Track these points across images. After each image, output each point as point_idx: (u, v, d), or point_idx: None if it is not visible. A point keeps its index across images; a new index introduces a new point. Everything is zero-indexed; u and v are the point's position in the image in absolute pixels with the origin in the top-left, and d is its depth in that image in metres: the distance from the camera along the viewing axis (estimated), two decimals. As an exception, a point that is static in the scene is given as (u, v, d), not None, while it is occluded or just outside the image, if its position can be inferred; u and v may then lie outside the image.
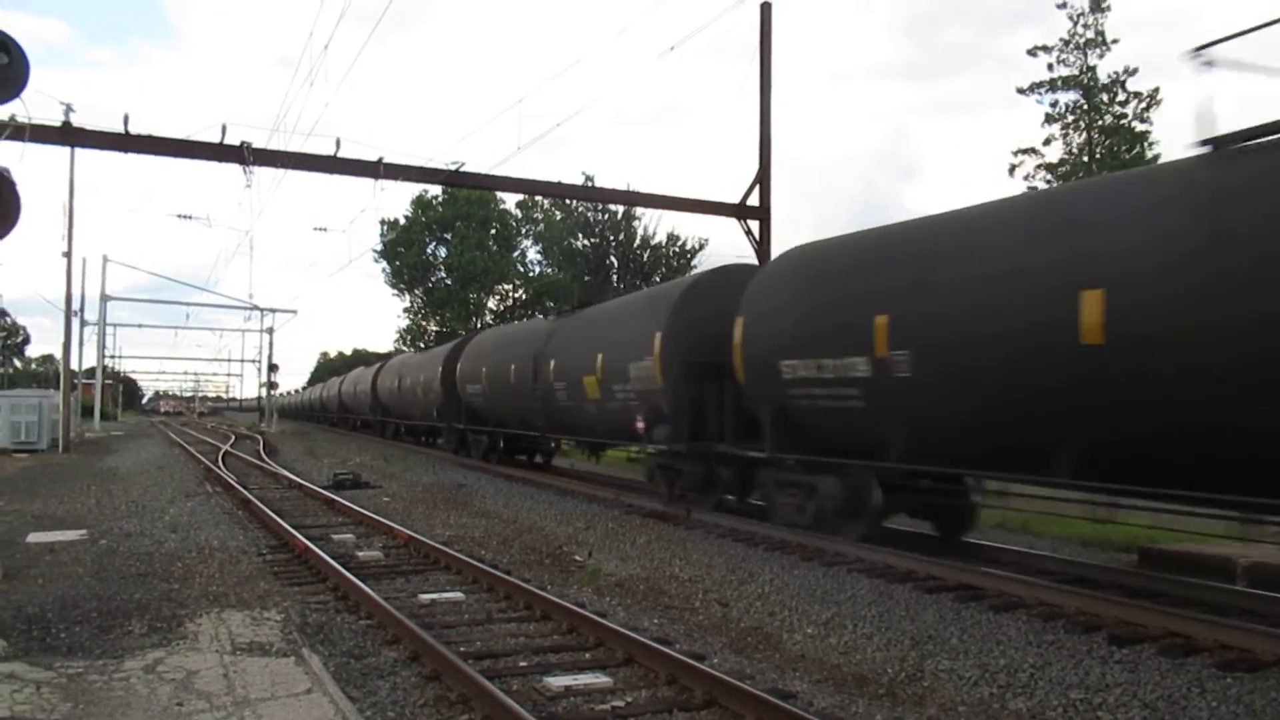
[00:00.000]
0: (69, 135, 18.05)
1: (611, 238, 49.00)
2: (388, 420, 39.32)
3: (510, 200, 58.92)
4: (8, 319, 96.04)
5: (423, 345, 51.57)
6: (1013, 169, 42.07)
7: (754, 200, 21.05)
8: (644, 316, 15.46)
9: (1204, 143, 7.64)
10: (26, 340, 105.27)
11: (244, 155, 18.85)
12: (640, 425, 14.94)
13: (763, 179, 20.84)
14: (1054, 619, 7.84)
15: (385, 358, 50.50)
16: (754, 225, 21.17)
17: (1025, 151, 41.71)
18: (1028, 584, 8.80)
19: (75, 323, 39.87)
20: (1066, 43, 40.29)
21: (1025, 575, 9.23)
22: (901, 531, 11.91)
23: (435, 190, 55.59)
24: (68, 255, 33.61)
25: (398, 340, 62.32)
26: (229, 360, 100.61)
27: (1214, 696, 5.96)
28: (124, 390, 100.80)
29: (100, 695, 5.85)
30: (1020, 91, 41.68)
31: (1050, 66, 40.72)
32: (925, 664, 6.96)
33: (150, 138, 18.36)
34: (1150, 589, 8.71)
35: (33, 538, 12.43)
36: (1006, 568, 9.77)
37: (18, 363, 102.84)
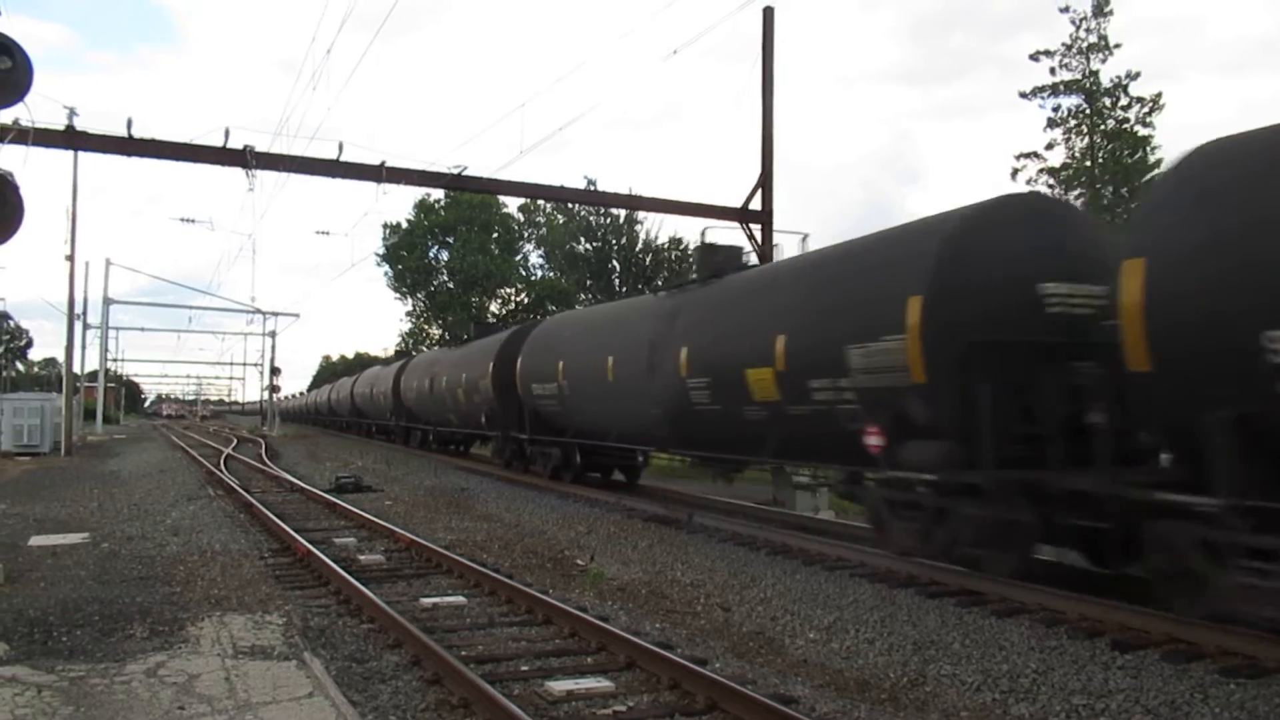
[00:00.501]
0: (72, 139, 18.09)
1: (614, 241, 49.04)
2: (414, 426, 34.31)
3: (512, 204, 58.97)
4: (10, 322, 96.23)
5: (425, 349, 51.43)
6: (1015, 173, 42.08)
7: (756, 204, 21.05)
8: (883, 273, 10.26)
9: None
10: (29, 343, 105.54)
11: (247, 159, 18.91)
12: (875, 440, 10.02)
13: (765, 183, 20.84)
14: (1056, 624, 7.83)
15: (405, 355, 47.25)
16: (756, 229, 21.16)
17: (1028, 155, 41.66)
18: (1030, 589, 8.78)
19: (78, 326, 40.02)
20: (1069, 47, 40.26)
21: (1027, 580, 9.21)
22: None
23: (438, 194, 55.68)
24: (70, 259, 33.73)
25: (400, 344, 62.36)
26: (231, 364, 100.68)
27: (1217, 702, 5.95)
28: (126, 394, 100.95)
29: (102, 699, 5.85)
30: (1023, 95, 41.65)
31: (1053, 71, 40.70)
32: (927, 669, 6.95)
33: (153, 141, 18.41)
34: (1154, 595, 8.67)
35: (35, 541, 12.44)
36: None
37: (20, 366, 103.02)
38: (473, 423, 25.82)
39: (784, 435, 12.04)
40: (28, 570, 10.26)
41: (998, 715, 6.12)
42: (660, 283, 43.99)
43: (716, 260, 15.21)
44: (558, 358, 18.49)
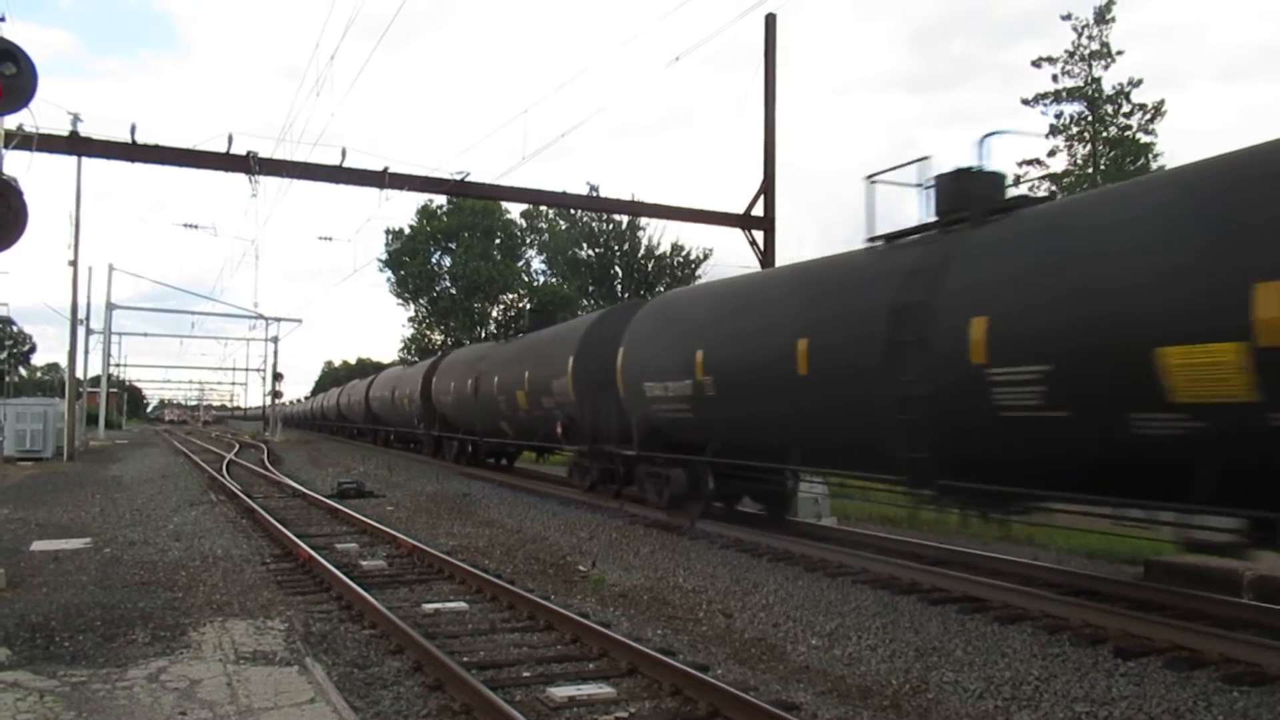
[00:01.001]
0: (76, 145, 18.13)
1: (616, 248, 49.14)
2: (450, 437, 29.19)
3: (515, 210, 59.09)
4: (13, 327, 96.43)
5: (439, 352, 51.27)
6: (1018, 180, 42.11)
7: (758, 210, 21.06)
8: None
9: None
10: (32, 349, 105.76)
11: (250, 165, 18.95)
12: None
13: (767, 189, 20.85)
14: (1059, 631, 7.82)
15: (431, 354, 44.42)
16: (758, 236, 21.18)
17: (1030, 162, 41.75)
18: (1033, 596, 8.77)
19: (81, 331, 40.07)
20: (1071, 54, 40.36)
21: (1030, 587, 9.20)
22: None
23: (440, 200, 55.83)
24: (74, 264, 33.78)
25: (402, 350, 62.49)
26: (234, 369, 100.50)
27: (1220, 710, 5.93)
28: (129, 399, 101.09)
29: (104, 704, 5.85)
30: (1025, 102, 41.74)
31: (1055, 78, 40.81)
32: (930, 676, 6.94)
33: (157, 147, 18.44)
34: (1156, 602, 8.67)
35: (37, 546, 12.45)
36: (1011, 579, 9.74)
37: (23, 371, 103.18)
38: (538, 433, 20.72)
39: (1249, 463, 6.98)
40: (30, 575, 10.26)
41: (1000, 722, 6.11)
42: (662, 289, 43.83)
43: (980, 189, 10.16)
44: (692, 345, 13.60)
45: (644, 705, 6.23)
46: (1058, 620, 8.12)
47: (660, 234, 47.84)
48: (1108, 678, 6.61)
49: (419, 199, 55.92)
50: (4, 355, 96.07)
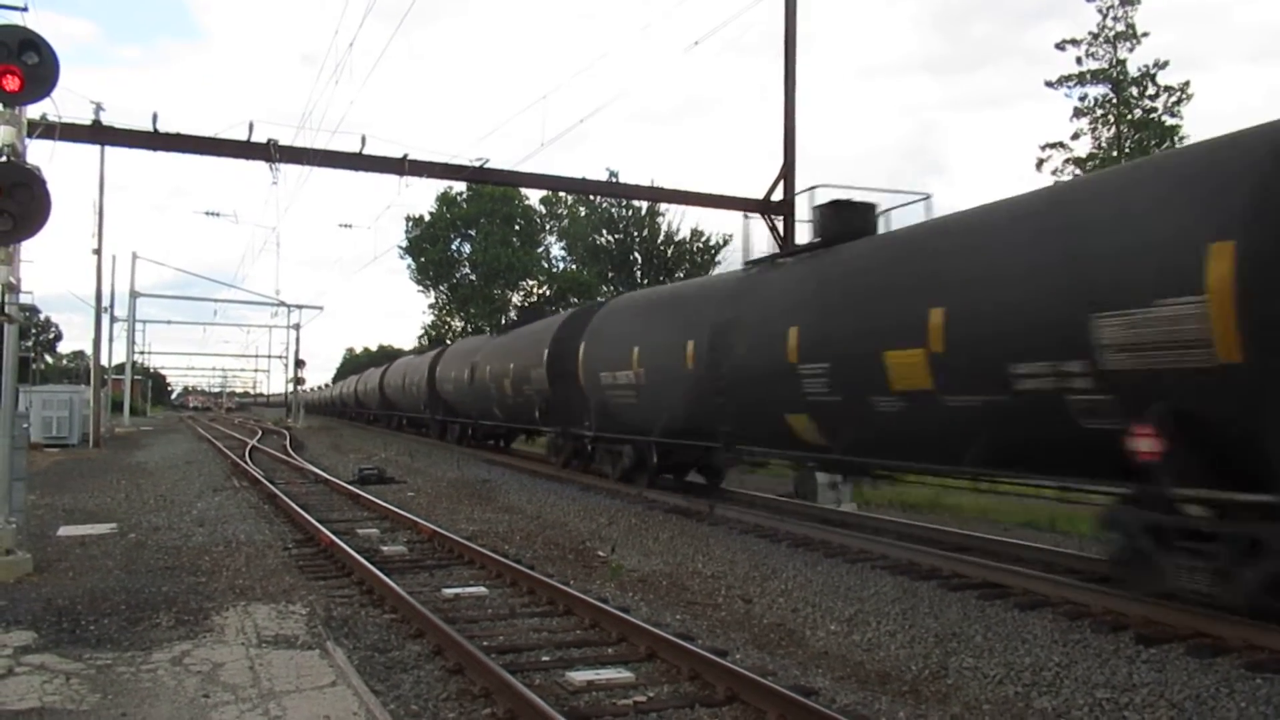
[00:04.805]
0: (99, 134, 18.24)
1: (635, 233, 49.06)
2: (452, 420, 31.79)
3: (534, 196, 59.18)
4: (39, 315, 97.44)
5: (449, 340, 51.51)
6: (1040, 163, 41.83)
7: (778, 195, 20.93)
8: (1154, 215, 7.67)
9: None
10: (58, 337, 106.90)
11: (270, 152, 18.99)
12: (1148, 445, 7.42)
13: (787, 174, 20.70)
14: (1080, 618, 7.78)
15: (440, 343, 44.62)
16: (778, 221, 21.06)
17: (1053, 145, 41.43)
18: (1053, 582, 8.72)
19: (105, 319, 40.44)
20: (1096, 36, 39.93)
21: (1051, 573, 9.16)
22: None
23: (460, 186, 55.93)
24: (98, 252, 34.11)
25: (423, 336, 62.75)
26: (256, 356, 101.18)
27: (1243, 697, 5.89)
28: (153, 386, 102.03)
29: (128, 686, 5.92)
30: (1049, 85, 41.42)
31: (1079, 60, 40.41)
32: (949, 661, 6.92)
33: (178, 135, 18.51)
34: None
35: (63, 531, 12.60)
36: (1032, 565, 9.70)
37: (49, 359, 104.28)
38: (522, 417, 23.40)
39: (939, 433, 9.70)
40: (56, 560, 10.40)
41: (1020, 708, 6.09)
42: (682, 275, 43.83)
43: (837, 224, 12.39)
44: (631, 343, 16.18)
45: (663, 689, 6.25)
46: (1079, 607, 8.08)
47: (680, 220, 47.78)
48: (1129, 664, 6.57)
49: (439, 186, 56.04)
50: (30, 343, 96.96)
